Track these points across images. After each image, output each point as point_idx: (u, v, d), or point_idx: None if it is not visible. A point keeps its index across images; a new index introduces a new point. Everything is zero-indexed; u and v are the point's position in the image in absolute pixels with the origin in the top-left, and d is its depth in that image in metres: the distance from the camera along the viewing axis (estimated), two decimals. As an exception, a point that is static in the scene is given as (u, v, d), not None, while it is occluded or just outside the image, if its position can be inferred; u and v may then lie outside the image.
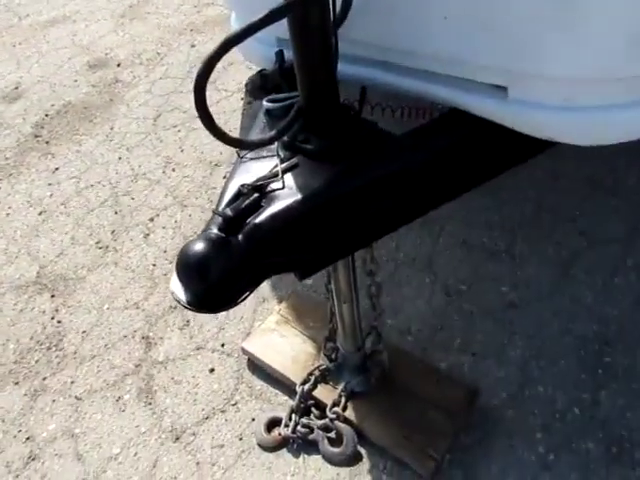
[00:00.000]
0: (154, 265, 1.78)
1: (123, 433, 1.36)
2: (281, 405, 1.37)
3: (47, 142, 2.38)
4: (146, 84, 2.62)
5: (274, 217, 0.80)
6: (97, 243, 1.89)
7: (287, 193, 0.82)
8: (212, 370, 1.45)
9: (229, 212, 0.78)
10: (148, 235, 1.89)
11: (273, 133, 0.86)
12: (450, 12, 0.82)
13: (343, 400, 1.27)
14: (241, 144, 0.87)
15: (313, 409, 1.30)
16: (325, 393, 1.31)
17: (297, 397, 1.29)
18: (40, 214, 2.04)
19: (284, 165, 0.86)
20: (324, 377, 1.33)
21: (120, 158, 2.23)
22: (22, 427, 1.41)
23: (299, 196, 0.82)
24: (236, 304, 0.77)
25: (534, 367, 1.37)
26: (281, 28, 0.82)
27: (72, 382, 1.49)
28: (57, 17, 3.26)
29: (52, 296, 1.73)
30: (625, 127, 0.85)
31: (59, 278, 1.78)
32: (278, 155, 0.89)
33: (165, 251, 1.82)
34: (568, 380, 1.33)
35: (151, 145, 2.28)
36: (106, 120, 2.45)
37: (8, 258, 1.88)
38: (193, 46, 2.83)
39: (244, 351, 1.43)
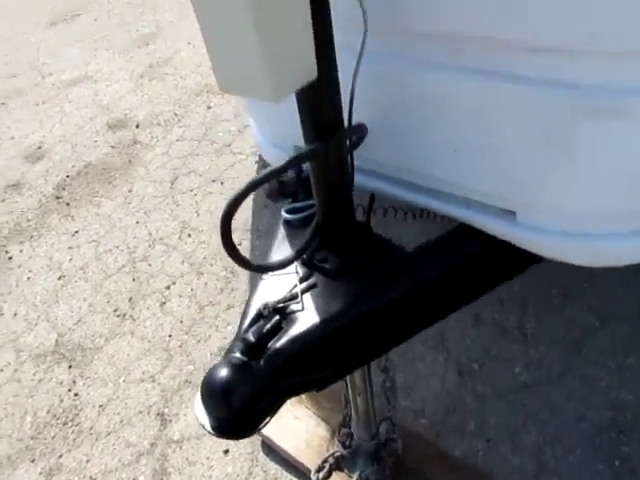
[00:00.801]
0: (170, 336, 1.81)
1: (137, 517, 1.37)
2: (295, 491, 1.37)
3: (68, 204, 2.46)
4: (163, 146, 2.71)
5: (294, 341, 0.83)
6: (115, 311, 1.92)
7: (306, 315, 0.86)
8: (226, 451, 1.46)
9: (251, 337, 0.81)
10: (164, 303, 1.92)
11: (292, 255, 0.90)
12: (459, 145, 0.87)
13: (358, 490, 1.27)
14: (263, 269, 0.91)
15: (327, 498, 1.30)
16: (340, 481, 1.31)
17: (312, 485, 1.29)
18: (59, 279, 2.09)
19: (303, 286, 0.90)
20: (338, 464, 1.33)
21: (138, 222, 2.29)
22: (37, 508, 1.42)
23: (318, 319, 0.85)
24: (258, 430, 0.80)
25: (549, 456, 1.37)
26: (299, 137, 0.87)
27: (87, 461, 1.50)
28: (79, 76, 3.39)
29: (70, 366, 1.76)
30: (627, 253, 0.89)
31: (77, 347, 1.82)
32: (297, 272, 0.93)
33: (181, 321, 1.85)
34: (585, 471, 1.33)
35: (168, 209, 2.34)
36: (125, 182, 2.53)
37: (28, 325, 1.92)
38: (209, 108, 2.93)
39: (258, 432, 1.44)
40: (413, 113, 0.89)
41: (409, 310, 0.93)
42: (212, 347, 1.76)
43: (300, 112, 0.79)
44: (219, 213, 2.29)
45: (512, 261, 1.01)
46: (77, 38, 3.82)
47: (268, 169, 0.78)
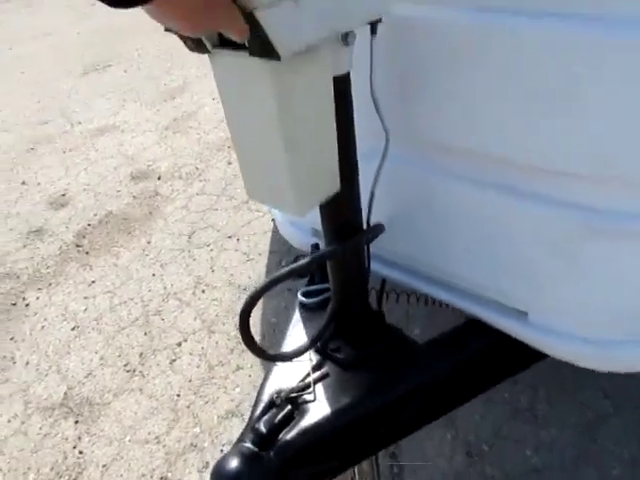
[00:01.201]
0: (178, 395, 1.81)
1: None
2: None
3: (87, 252, 2.51)
4: (183, 199, 2.78)
5: (306, 433, 0.84)
6: (125, 365, 1.94)
7: (318, 407, 0.87)
8: (228, 523, 1.43)
9: (262, 428, 0.83)
10: (174, 361, 1.93)
11: (306, 344, 0.92)
12: (472, 247, 0.89)
13: None
14: (278, 359, 0.93)
15: None
16: None
17: None
18: (73, 329, 2.11)
19: (315, 375, 0.91)
20: None
21: (154, 275, 2.33)
22: None
23: (330, 411, 0.86)
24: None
25: None
26: (317, 220, 0.90)
27: (87, 523, 1.48)
28: (107, 126, 3.53)
29: (76, 422, 1.76)
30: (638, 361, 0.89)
31: (85, 402, 1.82)
32: (310, 360, 0.95)
33: (190, 380, 1.86)
34: None
35: (184, 263, 2.38)
36: (144, 233, 2.59)
37: (39, 375, 1.93)
38: (230, 163, 3.02)
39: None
40: (429, 215, 0.92)
41: (420, 403, 0.94)
42: (219, 410, 1.76)
43: (321, 215, 0.83)
44: (233, 270, 2.32)
45: (524, 356, 1.02)
46: (107, 89, 3.99)
47: (287, 268, 0.81)
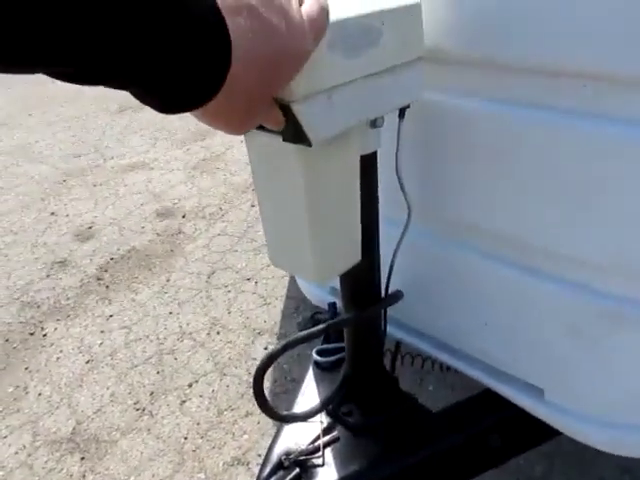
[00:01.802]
0: (185, 438, 1.80)
1: None
2: None
3: (107, 286, 2.56)
4: (205, 239, 2.84)
5: (313, 498, 0.84)
6: (135, 404, 1.94)
7: (326, 472, 0.87)
8: None
9: (269, 496, 0.83)
10: (184, 402, 1.94)
11: (318, 406, 0.93)
12: (490, 321, 0.91)
13: None
14: (289, 419, 0.94)
15: None
16: None
17: None
18: (87, 362, 2.14)
19: (325, 439, 0.92)
20: None
21: (171, 313, 2.36)
22: None
23: (337, 478, 0.86)
24: None
25: None
26: (336, 279, 0.93)
27: None
28: (137, 162, 3.65)
29: (82, 458, 1.76)
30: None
31: (92, 439, 1.83)
32: (321, 422, 0.95)
33: (198, 423, 1.86)
34: None
35: (201, 303, 2.41)
36: (164, 271, 2.63)
37: (50, 408, 1.95)
38: (253, 206, 3.08)
39: None
40: (447, 287, 0.94)
41: (429, 475, 0.93)
42: (226, 456, 1.75)
43: (341, 283, 0.85)
44: (250, 313, 2.34)
45: (539, 431, 1.01)
46: (141, 126, 4.15)
47: (305, 332, 0.83)
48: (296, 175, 0.66)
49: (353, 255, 0.77)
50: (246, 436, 1.81)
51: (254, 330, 2.25)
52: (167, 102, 0.39)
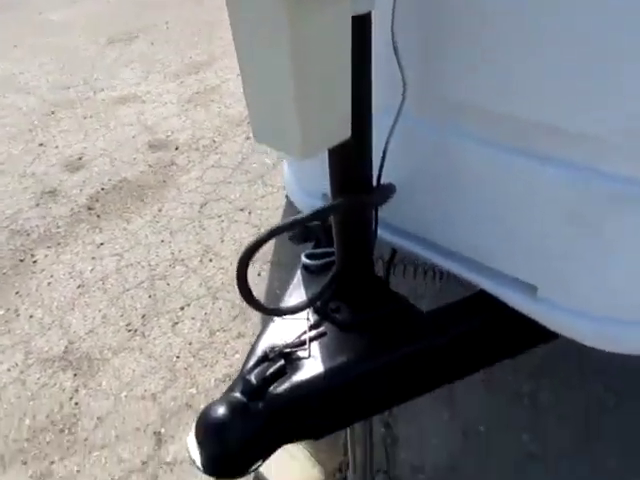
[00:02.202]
0: (177, 357, 1.81)
1: (118, 538, 1.34)
2: (281, 534, 1.33)
3: (98, 216, 2.52)
4: (199, 170, 2.78)
5: (296, 388, 0.83)
6: (127, 325, 1.94)
7: (312, 364, 0.86)
8: (217, 482, 1.43)
9: (253, 379, 0.81)
10: (176, 324, 1.93)
11: (306, 301, 0.90)
12: (485, 214, 0.87)
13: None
14: (276, 312, 0.92)
15: None
16: (327, 530, 1.27)
17: (299, 530, 1.25)
18: (78, 287, 2.13)
19: (312, 333, 0.90)
20: (328, 511, 1.29)
21: (163, 241, 2.33)
22: (21, 514, 1.41)
23: (323, 369, 0.85)
24: (250, 472, 0.79)
25: (549, 534, 1.30)
26: (327, 184, 0.89)
27: (78, 471, 1.49)
28: (128, 95, 3.53)
29: (75, 375, 1.77)
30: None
31: (85, 357, 1.83)
32: (308, 319, 0.93)
33: (190, 343, 1.86)
34: None
35: (194, 232, 2.38)
36: (156, 201, 2.59)
37: (42, 329, 1.95)
38: (248, 138, 3.00)
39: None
40: (442, 178, 0.90)
41: (416, 372, 0.92)
42: (217, 373, 1.75)
43: (330, 166, 0.81)
44: (243, 241, 2.32)
45: (530, 334, 0.99)
46: (132, 59, 4.00)
47: (290, 218, 0.79)
48: (281, 33, 0.60)
49: (342, 129, 0.72)
50: (238, 355, 1.81)
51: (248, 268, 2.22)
52: None
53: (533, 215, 0.85)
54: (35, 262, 2.28)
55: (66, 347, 1.87)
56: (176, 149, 2.95)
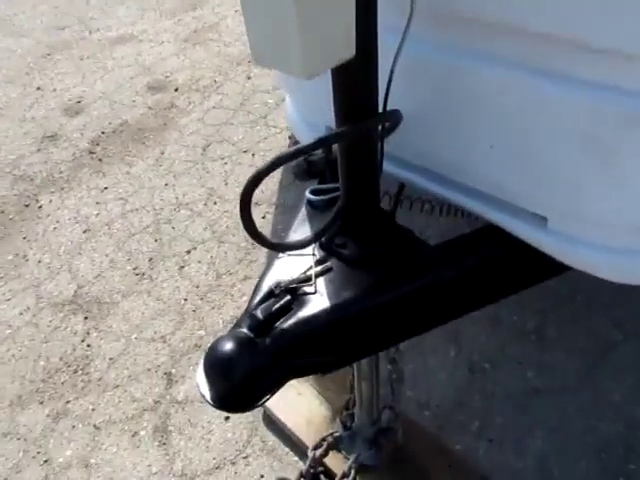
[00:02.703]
0: (185, 300, 1.82)
1: (135, 471, 1.40)
2: (291, 465, 1.37)
3: (100, 160, 2.49)
4: (200, 112, 2.71)
5: (303, 323, 0.81)
6: (134, 269, 1.95)
7: (318, 299, 0.84)
8: (227, 418, 1.47)
9: (259, 314, 0.80)
10: (183, 267, 1.94)
11: (311, 236, 0.88)
12: (497, 142, 0.83)
13: (352, 473, 1.27)
14: (280, 248, 0.90)
15: (322, 476, 1.30)
16: (335, 462, 1.31)
17: (307, 462, 1.29)
18: (85, 232, 2.12)
19: (318, 269, 0.88)
20: (336, 445, 1.32)
21: (166, 184, 2.31)
22: (41, 449, 1.46)
23: (329, 304, 0.83)
24: (257, 406, 0.79)
25: (553, 464, 1.34)
26: (331, 116, 0.85)
27: (93, 409, 1.54)
28: (125, 35, 3.41)
29: (85, 318, 1.79)
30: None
31: (94, 300, 1.85)
32: (314, 254, 0.91)
33: (197, 286, 1.87)
34: (586, 484, 1.29)
35: (197, 175, 2.34)
36: (158, 144, 2.54)
37: (50, 273, 1.96)
38: (249, 78, 2.91)
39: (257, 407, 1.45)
40: (453, 104, 0.85)
41: (423, 306, 0.91)
42: (225, 315, 1.77)
43: (333, 91, 0.76)
44: (247, 184, 2.24)
45: (539, 267, 0.97)
46: (127, -4, 3.82)
47: (294, 147, 0.76)
48: None
49: (346, 47, 0.67)
50: (245, 297, 1.82)
51: (252, 200, 2.19)
52: None
53: (545, 141, 0.80)
54: (40, 207, 2.27)
55: (75, 291, 1.88)
56: (176, 90, 2.87)
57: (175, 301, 1.82)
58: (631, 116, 0.70)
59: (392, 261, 0.93)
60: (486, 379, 1.53)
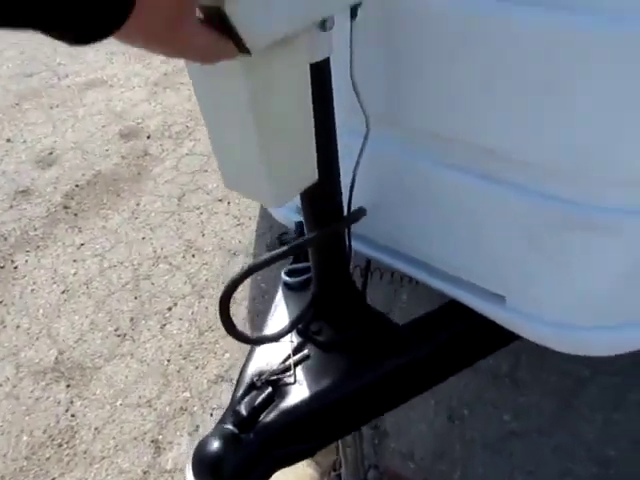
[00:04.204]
0: (168, 360, 1.84)
1: None
2: (281, 529, 1.39)
3: (75, 214, 2.49)
4: (173, 159, 2.74)
5: (285, 415, 0.86)
6: (116, 330, 1.96)
7: (298, 389, 0.89)
8: (216, 484, 1.49)
9: (242, 410, 0.84)
10: (165, 325, 1.95)
11: (287, 326, 0.92)
12: (451, 230, 0.89)
13: (341, 535, 1.30)
14: (259, 341, 0.94)
15: (312, 540, 1.33)
16: (324, 525, 1.34)
17: (297, 526, 1.32)
18: (63, 292, 2.12)
19: (296, 357, 0.92)
20: (325, 507, 1.36)
21: (144, 238, 2.33)
22: (30, 529, 1.46)
23: (309, 394, 0.88)
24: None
25: (532, 511, 1.39)
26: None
27: (81, 483, 1.54)
28: (95, 80, 3.42)
29: (68, 386, 1.80)
30: (613, 345, 0.91)
31: (76, 366, 1.85)
32: (291, 341, 0.95)
33: (180, 345, 1.88)
34: (565, 530, 1.35)
35: (174, 226, 2.37)
36: (133, 195, 2.56)
37: (30, 339, 1.96)
38: (221, 122, 2.94)
39: None
40: (409, 198, 0.91)
41: (399, 384, 0.96)
42: (209, 374, 1.79)
43: (301, 201, 0.81)
44: (224, 234, 2.30)
45: (503, 336, 1.03)
46: (94, 40, 3.84)
47: (268, 254, 0.80)
48: (240, 89, 0.59)
49: (309, 174, 0.73)
50: (228, 354, 1.85)
51: (229, 251, 2.23)
52: (81, 36, 0.35)
53: (495, 233, 0.87)
54: (16, 268, 2.26)
55: (56, 357, 1.88)
56: (148, 137, 2.90)
57: (159, 362, 1.84)
58: (565, 220, 0.76)
59: (366, 345, 0.98)
60: (465, 426, 1.58)
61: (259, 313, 1.96)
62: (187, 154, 2.76)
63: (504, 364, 1.71)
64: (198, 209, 2.44)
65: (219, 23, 0.49)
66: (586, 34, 0.58)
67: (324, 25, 0.63)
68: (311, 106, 0.68)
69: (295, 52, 0.62)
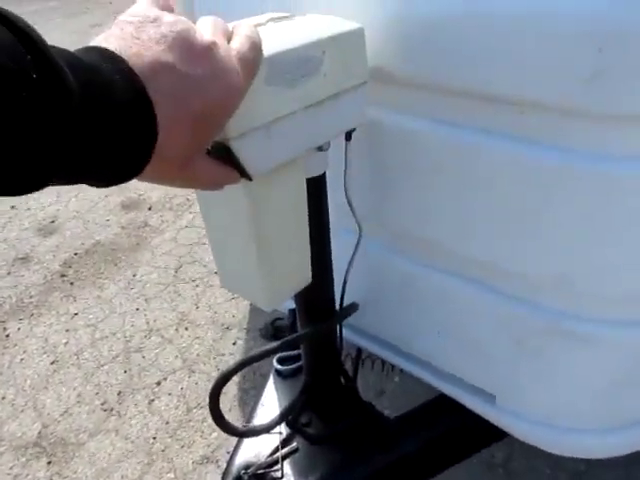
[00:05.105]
0: (154, 438, 1.80)
1: None
2: None
3: (72, 283, 2.51)
4: (172, 231, 2.80)
5: (271, 515, 0.85)
6: (102, 404, 1.93)
7: (286, 485, 0.88)
8: None
9: (230, 510, 0.84)
10: (153, 401, 1.93)
11: (276, 418, 0.93)
12: (442, 331, 0.92)
13: None
14: (248, 434, 0.95)
15: None
16: None
17: None
18: (52, 363, 2.11)
19: (284, 450, 0.93)
20: None
21: (138, 309, 2.34)
22: None
23: (297, 492, 0.87)
24: None
25: None
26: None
27: None
28: (101, 151, 3.55)
29: (49, 462, 1.75)
30: (602, 447, 0.92)
31: (59, 442, 1.81)
32: (280, 432, 0.96)
33: (167, 422, 1.85)
34: None
35: (169, 298, 2.39)
36: (130, 265, 2.59)
37: (14, 411, 1.92)
38: (221, 196, 3.04)
39: None
40: (400, 297, 0.95)
41: (389, 477, 0.96)
42: (195, 454, 1.75)
43: (295, 300, 0.85)
44: (218, 308, 2.31)
45: (494, 432, 1.03)
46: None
47: (260, 349, 0.83)
48: (241, 205, 0.64)
49: (303, 278, 0.77)
50: (215, 434, 1.81)
51: (222, 325, 2.24)
52: (102, 182, 0.40)
53: (483, 336, 0.90)
54: (7, 336, 2.25)
55: (40, 432, 1.85)
56: (149, 209, 2.97)
57: (144, 440, 1.80)
58: (548, 327, 0.80)
59: (354, 439, 0.98)
60: (457, 520, 1.53)
61: (249, 390, 1.94)
62: (186, 226, 2.82)
63: (498, 453, 1.69)
64: (194, 281, 2.47)
65: (224, 155, 0.54)
66: (561, 169, 0.64)
67: (320, 147, 0.69)
68: (307, 216, 0.73)
69: (293, 170, 0.68)
